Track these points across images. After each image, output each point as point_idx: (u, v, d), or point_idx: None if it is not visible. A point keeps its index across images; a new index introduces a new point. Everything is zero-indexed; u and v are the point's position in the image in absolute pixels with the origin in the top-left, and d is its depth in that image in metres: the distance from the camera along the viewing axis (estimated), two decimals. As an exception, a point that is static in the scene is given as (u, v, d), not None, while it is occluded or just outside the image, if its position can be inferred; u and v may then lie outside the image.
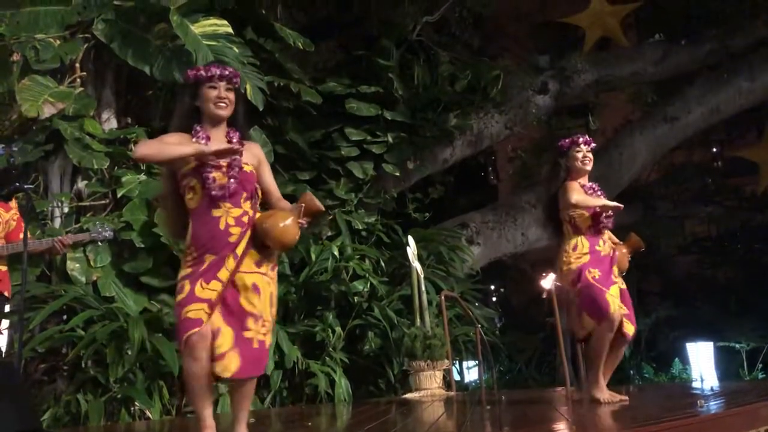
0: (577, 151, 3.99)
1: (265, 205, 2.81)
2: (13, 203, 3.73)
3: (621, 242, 4.19)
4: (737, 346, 9.75)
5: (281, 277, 6.22)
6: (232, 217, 2.61)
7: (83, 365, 5.01)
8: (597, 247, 3.93)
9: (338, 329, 6.24)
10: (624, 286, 4.01)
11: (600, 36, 10.24)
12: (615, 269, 3.98)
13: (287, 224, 2.60)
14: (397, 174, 7.79)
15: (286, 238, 2.61)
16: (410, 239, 6.60)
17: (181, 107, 2.76)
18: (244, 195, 2.66)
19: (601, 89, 10.41)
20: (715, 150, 13.57)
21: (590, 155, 4.01)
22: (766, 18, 9.73)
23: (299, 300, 6.35)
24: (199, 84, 2.69)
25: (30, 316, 4.88)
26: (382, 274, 6.98)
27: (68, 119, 5.55)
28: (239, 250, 2.59)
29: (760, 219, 12.18)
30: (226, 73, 2.71)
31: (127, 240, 5.38)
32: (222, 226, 2.59)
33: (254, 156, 2.79)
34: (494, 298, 13.39)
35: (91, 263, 5.30)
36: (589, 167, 4.01)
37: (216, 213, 2.60)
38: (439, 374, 5.89)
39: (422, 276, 6.36)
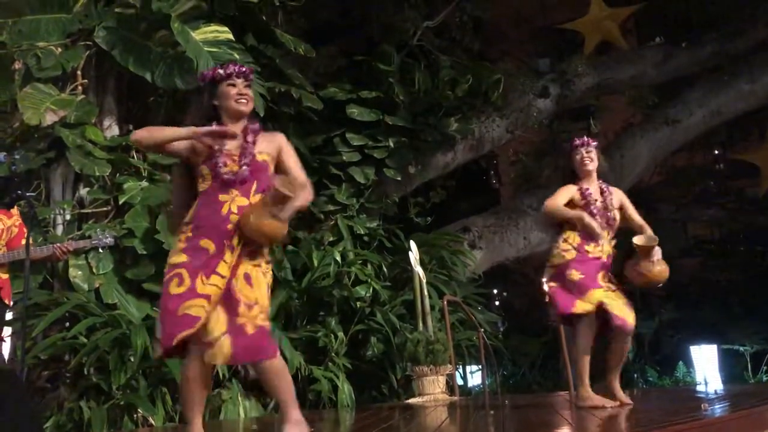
0: (576, 154, 4.01)
1: None
2: (15, 210, 3.73)
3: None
4: (741, 348, 9.72)
5: (284, 283, 6.26)
6: (237, 206, 2.62)
7: (86, 372, 5.00)
8: (586, 247, 3.91)
9: (341, 334, 6.24)
10: (615, 289, 3.98)
11: (600, 40, 10.25)
12: (602, 275, 3.94)
13: (257, 218, 2.56)
14: (399, 179, 7.80)
15: (263, 231, 2.57)
16: (412, 244, 6.60)
17: (199, 107, 2.78)
18: (255, 186, 2.66)
19: (602, 92, 10.41)
20: (716, 152, 13.56)
21: (591, 155, 4.02)
22: (766, 20, 9.74)
23: (301, 305, 6.35)
24: (218, 82, 2.74)
25: (33, 323, 4.88)
26: (384, 279, 6.97)
27: (70, 127, 5.57)
28: (235, 242, 2.60)
29: (763, 221, 12.17)
30: (244, 70, 2.77)
31: (129, 247, 5.38)
32: (224, 212, 2.61)
33: (272, 145, 2.78)
34: (497, 302, 13.36)
35: (94, 270, 5.30)
36: (589, 167, 4.01)
37: (222, 198, 2.62)
38: (442, 379, 5.87)
39: (424, 280, 6.36)
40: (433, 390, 5.79)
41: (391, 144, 7.61)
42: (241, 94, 2.72)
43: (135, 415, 4.96)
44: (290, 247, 6.74)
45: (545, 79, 9.62)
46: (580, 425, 3.23)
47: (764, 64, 9.86)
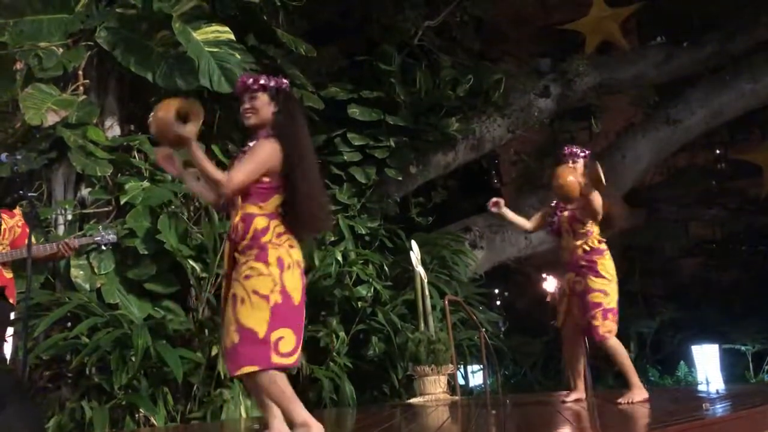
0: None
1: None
2: (17, 210, 3.74)
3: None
4: (743, 348, 9.72)
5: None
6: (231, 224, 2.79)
7: (87, 372, 5.01)
8: None
9: (342, 334, 6.24)
10: None
11: (601, 40, 10.25)
12: None
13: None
14: (400, 178, 7.80)
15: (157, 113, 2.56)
16: (413, 244, 6.60)
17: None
18: (239, 200, 2.73)
19: (603, 92, 10.40)
20: (718, 152, 13.55)
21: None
22: (767, 20, 9.73)
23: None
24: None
25: (34, 323, 4.88)
26: (385, 278, 6.97)
27: (71, 127, 5.57)
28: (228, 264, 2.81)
29: (764, 221, 12.16)
30: (245, 84, 2.81)
31: (130, 247, 5.38)
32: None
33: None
34: (498, 302, 13.37)
35: (95, 270, 5.30)
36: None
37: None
38: (443, 379, 5.87)
39: (426, 280, 6.36)
40: (434, 390, 5.79)
41: (392, 144, 7.62)
42: (246, 110, 2.79)
43: (136, 415, 4.96)
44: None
45: (546, 79, 9.61)
46: (581, 425, 3.23)
47: (765, 63, 9.84)
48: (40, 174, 5.74)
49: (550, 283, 4.68)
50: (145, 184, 5.71)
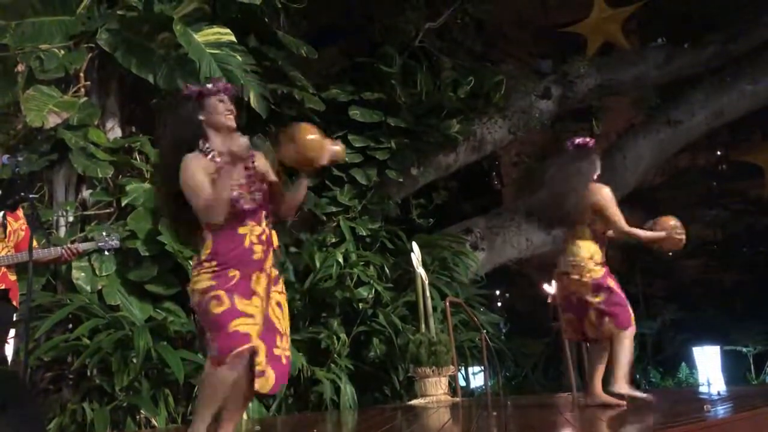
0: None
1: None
2: (21, 212, 3.74)
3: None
4: (744, 349, 9.72)
5: (286, 284, 6.24)
6: (255, 236, 2.64)
7: (89, 374, 5.01)
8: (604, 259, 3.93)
9: (343, 336, 6.24)
10: None
11: (602, 42, 10.25)
12: None
13: (313, 139, 2.70)
14: (401, 180, 7.80)
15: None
16: (414, 245, 6.60)
17: (184, 121, 2.75)
18: (263, 213, 2.70)
19: (604, 93, 10.40)
20: (719, 153, 13.53)
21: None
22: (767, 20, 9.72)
23: (304, 307, 6.35)
24: (205, 97, 2.75)
25: (36, 325, 4.89)
26: (386, 280, 6.97)
27: (73, 129, 5.58)
28: (267, 268, 2.65)
29: (766, 222, 12.15)
30: (229, 86, 2.83)
31: (131, 248, 5.39)
32: (247, 244, 2.61)
33: (263, 163, 2.83)
34: (499, 304, 13.36)
35: (97, 272, 5.31)
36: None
37: (241, 231, 2.62)
38: (444, 380, 5.88)
39: (427, 282, 6.36)
40: (435, 391, 5.79)
41: (393, 145, 7.62)
42: (229, 110, 2.76)
43: (138, 417, 4.97)
44: (293, 249, 6.75)
45: (547, 80, 9.62)
46: (582, 427, 3.23)
47: (766, 64, 9.84)
48: (42, 176, 5.75)
49: (552, 286, 4.68)
50: (147, 185, 5.71)
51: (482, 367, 7.11)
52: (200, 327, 2.65)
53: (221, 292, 2.53)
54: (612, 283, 3.83)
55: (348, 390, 5.96)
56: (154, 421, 4.93)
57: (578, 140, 4.05)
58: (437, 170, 8.70)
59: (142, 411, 4.95)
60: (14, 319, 3.89)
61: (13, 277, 3.64)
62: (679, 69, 10.19)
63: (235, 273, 2.57)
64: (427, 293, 6.29)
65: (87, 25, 5.82)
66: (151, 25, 5.80)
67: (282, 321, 2.68)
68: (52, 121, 5.41)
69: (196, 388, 5.17)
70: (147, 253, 5.40)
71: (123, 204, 5.60)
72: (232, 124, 2.76)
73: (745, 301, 11.02)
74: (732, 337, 9.95)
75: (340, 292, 6.44)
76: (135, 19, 5.77)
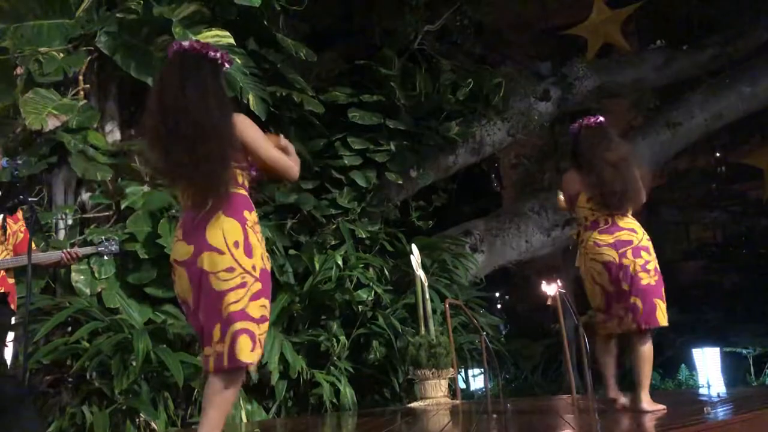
0: None
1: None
2: (20, 214, 3.73)
3: None
4: (744, 351, 9.70)
5: (285, 287, 6.26)
6: None
7: (88, 377, 5.01)
8: None
9: (343, 338, 6.24)
10: None
11: (602, 44, 10.26)
12: None
13: None
14: (400, 182, 7.80)
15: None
16: (414, 247, 6.60)
17: (220, 88, 2.63)
18: None
19: (603, 95, 10.41)
20: (718, 156, 13.55)
21: None
22: (767, 23, 9.74)
23: (303, 309, 6.35)
24: (222, 65, 2.68)
25: (35, 328, 4.89)
26: (386, 282, 6.97)
27: (72, 131, 5.58)
28: None
29: (765, 224, 12.16)
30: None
31: (131, 251, 5.39)
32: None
33: None
34: (499, 306, 13.37)
35: (96, 275, 5.30)
36: None
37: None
38: (444, 383, 5.87)
39: (426, 284, 6.35)
40: (435, 394, 5.78)
41: (393, 148, 7.62)
42: None
43: (137, 420, 4.96)
44: (292, 251, 6.75)
45: (546, 83, 9.63)
46: (583, 429, 3.23)
47: (766, 66, 9.85)
48: (41, 179, 5.75)
49: (552, 287, 4.67)
50: (146, 188, 5.72)
51: (482, 370, 7.09)
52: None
53: (267, 302, 2.51)
54: None
55: (347, 392, 5.96)
56: (153, 425, 4.92)
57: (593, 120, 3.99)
58: (437, 172, 8.71)
59: (141, 414, 4.94)
60: (12, 322, 3.88)
61: (11, 281, 3.64)
62: (678, 71, 10.20)
63: (267, 264, 2.58)
64: (427, 295, 6.28)
65: (86, 28, 5.83)
66: (150, 27, 5.81)
67: None
68: (52, 124, 5.41)
69: (195, 391, 5.18)
70: (146, 256, 5.40)
71: (122, 207, 5.60)
72: None
73: (744, 303, 11.01)
74: (732, 339, 9.94)
75: (340, 295, 6.43)
76: (134, 22, 5.77)
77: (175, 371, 4.78)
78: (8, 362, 4.24)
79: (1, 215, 3.52)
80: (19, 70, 5.68)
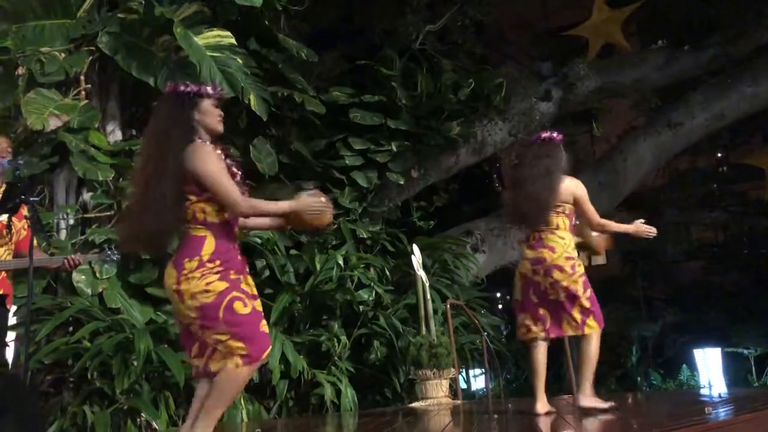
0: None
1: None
2: (23, 211, 3.74)
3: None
4: (745, 352, 9.70)
5: (286, 287, 6.26)
6: (236, 234, 2.76)
7: (89, 377, 5.01)
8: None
9: (344, 338, 6.24)
10: None
11: (603, 44, 10.26)
12: None
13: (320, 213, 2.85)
14: (401, 182, 7.80)
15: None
16: (415, 247, 6.60)
17: (183, 119, 2.72)
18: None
19: (605, 95, 10.40)
20: (719, 156, 13.54)
21: None
22: (768, 23, 9.73)
23: (304, 309, 6.35)
24: (203, 98, 2.76)
25: (36, 328, 4.89)
26: (387, 282, 6.97)
27: (73, 131, 5.58)
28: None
29: (766, 224, 12.15)
30: (225, 93, 2.96)
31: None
32: (237, 242, 2.74)
33: None
34: (500, 306, 13.35)
35: (97, 275, 5.31)
36: None
37: (235, 229, 2.72)
38: (445, 383, 5.87)
39: (427, 284, 6.35)
40: (436, 394, 5.78)
41: (394, 148, 7.62)
42: (221, 116, 2.80)
43: (138, 420, 4.97)
44: (293, 251, 6.75)
45: (548, 83, 9.62)
46: (583, 429, 3.23)
47: (767, 66, 9.84)
48: (42, 178, 5.75)
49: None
50: (147, 188, 5.70)
51: (483, 370, 7.10)
52: (193, 329, 2.63)
53: (240, 294, 2.60)
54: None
55: (348, 392, 5.95)
56: (155, 424, 4.93)
57: (544, 134, 4.06)
58: (438, 172, 8.71)
59: (142, 414, 4.95)
60: (9, 323, 3.89)
61: (10, 281, 3.65)
62: (680, 71, 10.19)
63: (236, 276, 2.63)
64: (428, 295, 6.28)
65: (87, 28, 5.83)
66: (151, 28, 5.81)
67: None
68: (53, 124, 5.42)
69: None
70: (147, 256, 5.39)
71: (124, 207, 5.59)
72: (222, 130, 2.81)
73: (746, 303, 11.00)
74: (733, 339, 9.93)
75: (341, 295, 6.44)
76: (135, 22, 5.78)
77: (176, 371, 4.78)
78: (9, 362, 4.25)
79: (6, 215, 3.53)
80: (20, 70, 5.68)
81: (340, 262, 6.55)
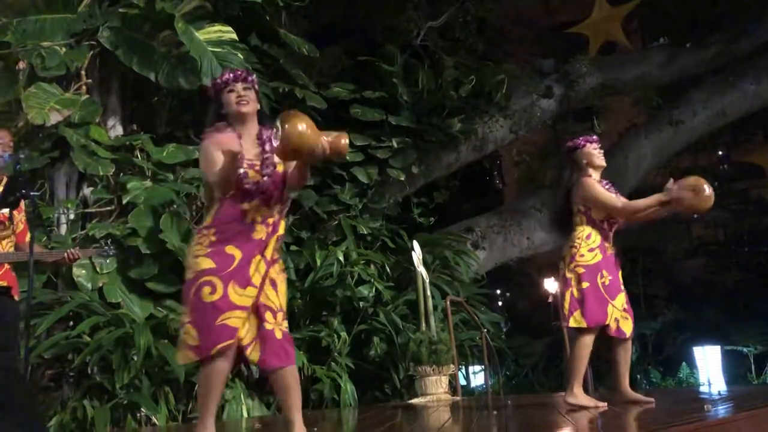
0: (594, 148, 3.93)
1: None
2: (22, 205, 3.74)
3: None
4: (745, 350, 9.72)
5: (286, 283, 6.26)
6: (260, 216, 2.63)
7: (89, 371, 5.02)
8: (606, 244, 3.85)
9: (344, 334, 6.24)
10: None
11: (604, 41, 10.25)
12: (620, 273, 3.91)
13: (303, 131, 2.51)
14: (402, 179, 7.80)
15: (301, 144, 2.51)
16: (415, 244, 6.60)
17: (211, 118, 2.83)
18: (274, 196, 2.68)
19: (606, 93, 10.40)
20: (720, 154, 13.53)
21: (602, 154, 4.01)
22: (770, 21, 9.71)
23: (304, 305, 6.36)
24: (220, 92, 2.80)
25: (36, 322, 4.89)
26: (387, 279, 6.97)
27: (74, 126, 5.58)
28: (268, 254, 2.63)
29: (767, 223, 12.15)
30: (240, 73, 2.82)
31: (132, 246, 5.39)
32: (248, 221, 2.62)
33: None
34: (500, 303, 13.37)
35: (97, 269, 5.31)
36: (604, 164, 3.97)
37: (245, 206, 2.63)
38: (444, 379, 5.87)
39: (427, 281, 6.35)
40: (435, 390, 5.78)
41: (395, 144, 7.62)
42: (240, 97, 2.76)
43: (138, 415, 4.97)
44: (293, 247, 6.75)
45: (549, 80, 9.61)
46: (582, 426, 3.23)
47: (769, 65, 9.84)
48: (43, 173, 5.75)
49: (553, 285, 4.68)
50: (148, 183, 5.72)
51: (483, 366, 7.11)
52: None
53: (216, 280, 2.52)
54: (603, 278, 3.76)
55: (348, 388, 5.96)
56: (154, 419, 4.93)
57: (569, 143, 4.05)
58: (438, 169, 8.71)
59: (142, 409, 4.95)
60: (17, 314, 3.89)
61: (13, 273, 3.64)
62: (681, 69, 10.18)
63: (235, 252, 2.57)
64: (428, 292, 6.28)
65: (88, 22, 5.83)
66: (152, 23, 5.81)
67: (273, 298, 2.63)
68: (54, 118, 5.42)
69: (197, 386, 5.18)
70: (148, 251, 5.40)
71: (124, 202, 5.60)
72: (246, 109, 2.76)
73: (746, 302, 11.02)
74: (733, 338, 9.96)
75: (341, 291, 6.44)
76: (136, 17, 5.77)
77: (176, 366, 4.78)
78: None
79: (15, 208, 3.52)
80: (21, 65, 5.68)
81: (341, 258, 6.55)
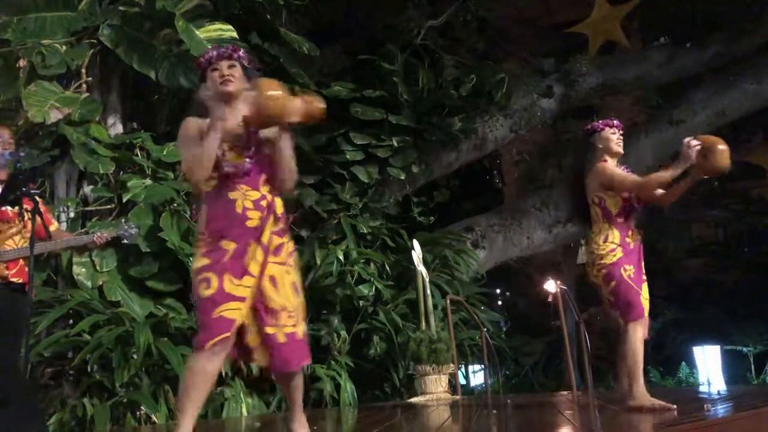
0: (612, 133, 3.75)
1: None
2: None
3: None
4: (744, 349, 9.72)
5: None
6: (250, 201, 2.52)
7: (89, 370, 5.02)
8: (627, 239, 3.70)
9: (343, 333, 6.25)
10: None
11: (604, 40, 10.25)
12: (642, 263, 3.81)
13: (273, 95, 2.46)
14: (402, 178, 7.80)
15: (272, 110, 2.47)
16: (415, 243, 6.60)
17: (200, 101, 2.69)
18: (263, 177, 2.58)
19: (606, 92, 10.40)
20: (721, 153, 13.51)
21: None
22: (771, 20, 9.71)
23: (304, 304, 6.35)
24: (204, 71, 2.70)
25: (36, 320, 4.89)
26: (387, 278, 6.97)
27: (74, 124, 5.58)
28: (264, 239, 2.51)
29: (767, 222, 12.15)
30: (223, 51, 2.70)
31: (132, 245, 5.37)
32: (239, 210, 2.51)
33: (269, 132, 2.65)
34: (500, 302, 13.38)
35: (97, 268, 5.31)
36: (622, 151, 3.78)
37: (232, 195, 2.52)
38: (444, 378, 5.88)
39: (427, 280, 6.36)
40: (435, 389, 5.79)
41: (395, 143, 7.62)
42: (224, 76, 2.63)
43: (138, 413, 4.97)
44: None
45: (549, 79, 9.61)
46: (583, 426, 3.23)
47: (769, 64, 9.83)
48: (43, 171, 5.75)
49: (553, 285, 4.68)
50: (148, 181, 5.72)
51: (482, 366, 7.11)
52: None
53: (211, 274, 2.45)
54: (626, 271, 3.68)
55: (348, 387, 5.96)
56: (154, 418, 4.93)
57: (587, 126, 3.91)
58: (439, 168, 8.71)
59: (142, 407, 4.95)
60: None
61: (26, 270, 3.64)
62: (682, 68, 10.18)
63: (228, 245, 2.48)
64: (428, 291, 6.29)
65: (89, 21, 5.83)
66: (152, 21, 5.80)
67: (275, 297, 2.51)
68: (54, 116, 5.42)
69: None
70: (148, 250, 5.40)
71: (124, 200, 5.60)
72: (227, 89, 2.63)
73: (745, 301, 11.02)
74: (732, 337, 9.96)
75: (341, 290, 6.44)
76: (137, 16, 5.77)
77: (176, 364, 4.78)
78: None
79: (16, 206, 3.51)
80: (21, 63, 5.68)
81: (341, 257, 6.55)
